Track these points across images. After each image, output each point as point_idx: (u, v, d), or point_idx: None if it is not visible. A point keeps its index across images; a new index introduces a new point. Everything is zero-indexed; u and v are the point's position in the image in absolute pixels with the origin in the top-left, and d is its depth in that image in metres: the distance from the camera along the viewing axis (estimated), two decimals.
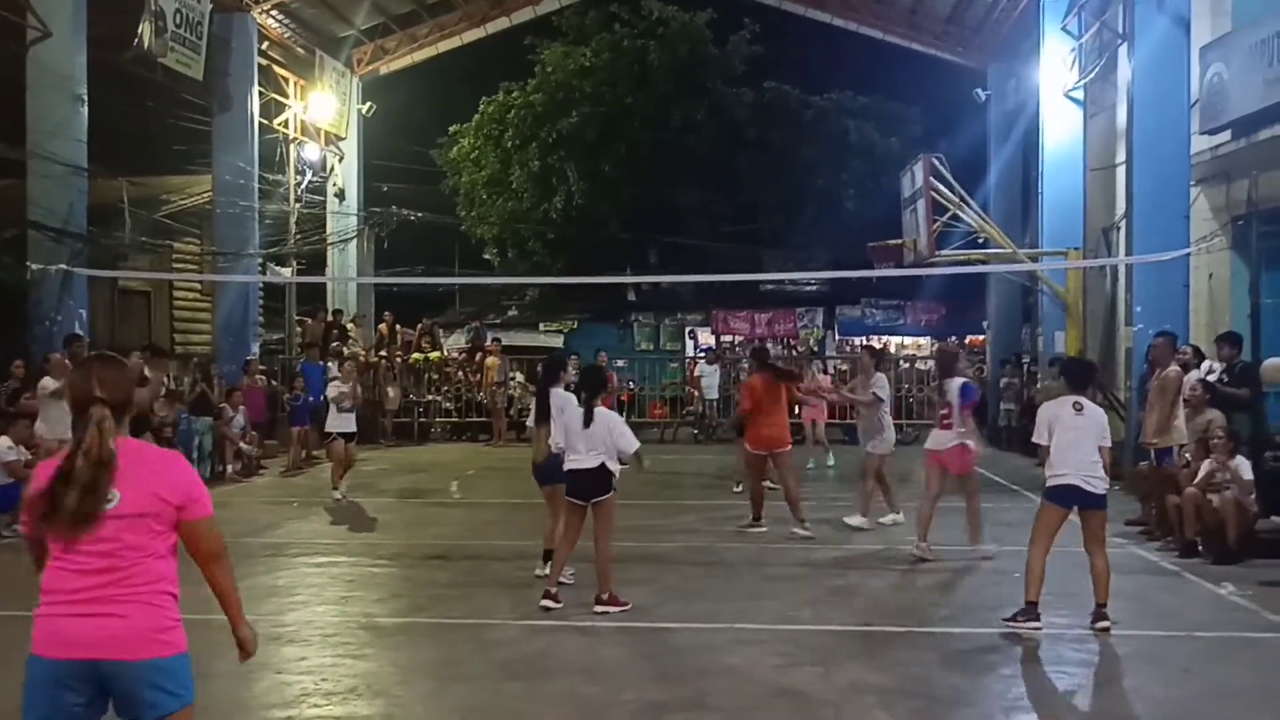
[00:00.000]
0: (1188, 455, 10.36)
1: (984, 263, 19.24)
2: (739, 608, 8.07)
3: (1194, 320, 13.58)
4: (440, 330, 27.05)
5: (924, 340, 32.18)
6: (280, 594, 8.59)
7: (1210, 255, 13.69)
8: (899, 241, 19.29)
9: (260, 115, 20.74)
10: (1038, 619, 7.11)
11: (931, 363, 24.17)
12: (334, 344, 20.23)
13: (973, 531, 9.91)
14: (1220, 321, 13.44)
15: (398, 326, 23.99)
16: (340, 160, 25.09)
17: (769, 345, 23.36)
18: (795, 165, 31.28)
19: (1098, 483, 7.22)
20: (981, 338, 27.87)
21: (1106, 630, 7.11)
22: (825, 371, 20.52)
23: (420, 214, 26.65)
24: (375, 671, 6.58)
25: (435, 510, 13.21)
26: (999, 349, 23.11)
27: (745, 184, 31.82)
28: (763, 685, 6.22)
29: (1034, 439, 7.51)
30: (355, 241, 25.02)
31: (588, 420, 7.92)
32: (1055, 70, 18.78)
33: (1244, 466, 9.68)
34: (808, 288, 33.33)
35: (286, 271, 23.62)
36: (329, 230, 24.66)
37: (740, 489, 13.11)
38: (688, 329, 32.82)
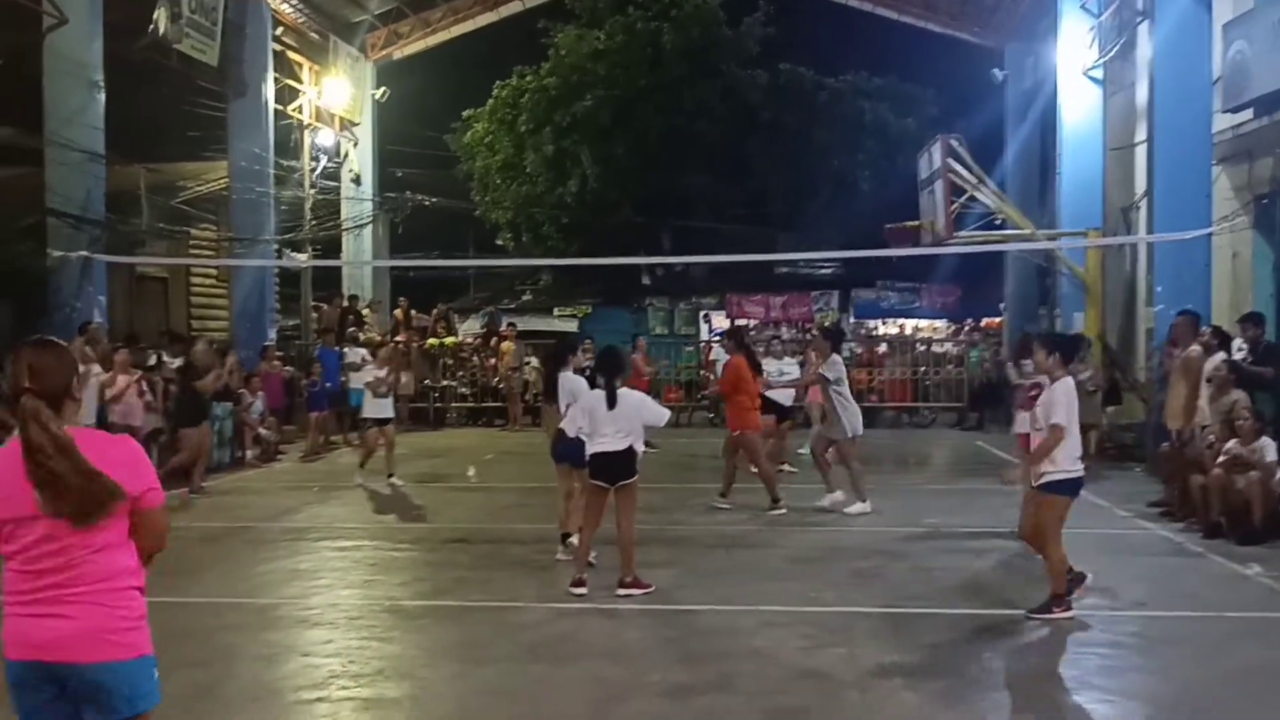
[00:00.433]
0: (1211, 436, 10.28)
1: (1002, 243, 19.13)
2: (761, 590, 8.06)
3: (1216, 300, 13.50)
4: (455, 315, 27.08)
5: (940, 323, 32.09)
6: (304, 578, 8.63)
7: (1233, 234, 13.60)
8: (916, 223, 19.20)
9: (275, 101, 20.76)
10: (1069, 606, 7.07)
11: (949, 345, 24.22)
12: (350, 329, 20.26)
13: None
14: (1243, 301, 13.35)
15: (413, 312, 24.01)
16: (354, 146, 25.11)
17: (783, 328, 23.35)
18: (809, 147, 31.15)
19: None
20: (998, 320, 27.74)
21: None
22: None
23: (434, 199, 26.64)
24: (401, 654, 6.60)
25: (454, 494, 13.22)
26: (1016, 330, 22.97)
27: (759, 166, 31.69)
28: (787, 667, 6.21)
29: (1054, 420, 6.92)
30: (370, 227, 25.06)
31: (611, 402, 7.91)
32: (1074, 49, 18.65)
33: (1269, 448, 9.60)
34: (822, 270, 33.24)
35: (302, 257, 23.65)
36: (344, 216, 24.71)
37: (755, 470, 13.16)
38: (702, 313, 32.75)
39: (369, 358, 17.03)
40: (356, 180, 24.98)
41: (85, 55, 14.84)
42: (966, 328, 29.01)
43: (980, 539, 9.69)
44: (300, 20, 22.42)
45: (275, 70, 20.88)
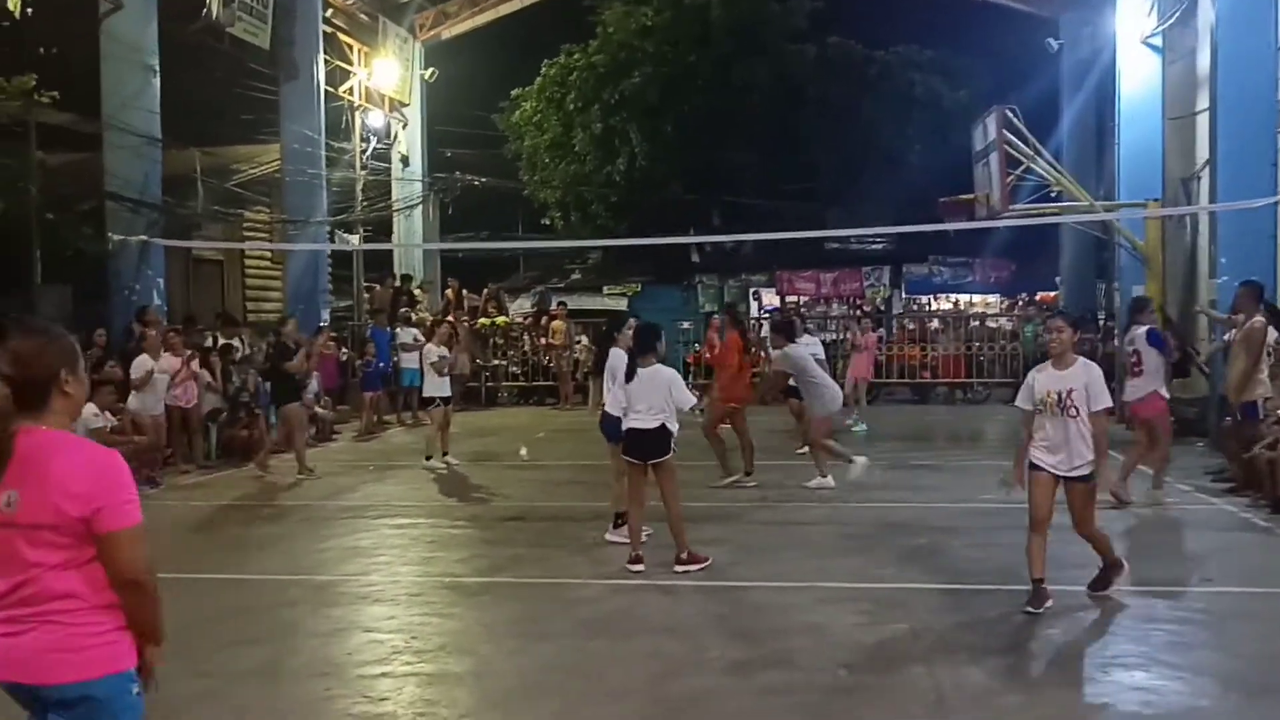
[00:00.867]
0: (1279, 410, 10.07)
1: (1058, 215, 18.83)
2: (817, 566, 8.04)
3: None
4: (505, 295, 27.18)
5: (993, 298, 31.73)
6: (364, 555, 8.72)
7: None
8: (971, 196, 18.91)
9: (325, 83, 20.88)
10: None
11: (1003, 320, 23.95)
12: (402, 310, 20.40)
13: (1155, 475, 10.24)
14: None
15: (464, 292, 24.14)
16: (404, 127, 25.21)
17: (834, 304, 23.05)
18: (859, 122, 30.76)
19: None
20: (1053, 294, 27.37)
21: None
22: (874, 330, 20.15)
23: (483, 179, 26.71)
24: (462, 630, 6.65)
25: (508, 473, 13.29)
26: (1072, 305, 22.66)
27: (808, 142, 31.36)
28: (847, 643, 6.18)
29: (1108, 403, 6.69)
30: (420, 208, 25.18)
31: (629, 376, 7.95)
32: (1132, 17, 18.24)
33: None
34: (873, 246, 32.93)
35: (354, 239, 23.84)
36: (394, 197, 24.84)
37: (804, 449, 13.16)
38: (752, 290, 32.61)
39: (420, 337, 17.18)
40: (405, 161, 25.10)
41: (141, 39, 15.03)
42: (1020, 302, 28.71)
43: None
44: (350, 2, 22.51)
45: (325, 52, 20.99)
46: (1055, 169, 17.78)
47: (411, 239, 24.87)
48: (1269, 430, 9.92)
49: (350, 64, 22.88)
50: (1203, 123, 15.39)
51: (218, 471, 13.46)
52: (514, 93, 32.35)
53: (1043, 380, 6.77)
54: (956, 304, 31.73)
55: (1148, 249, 17.22)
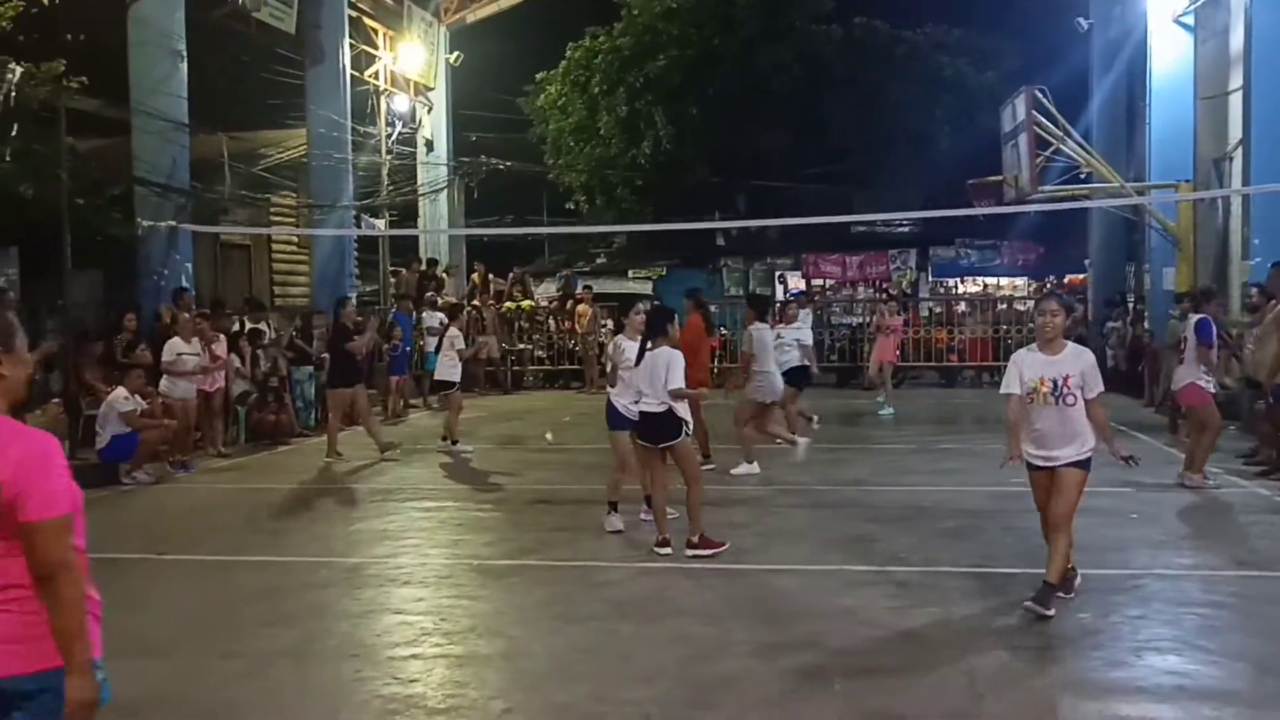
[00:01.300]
0: None
1: (1088, 197, 18.63)
2: (846, 550, 8.01)
3: None
4: (531, 279, 27.19)
5: (1020, 281, 31.49)
6: (393, 538, 8.75)
7: None
8: (999, 178, 18.76)
9: (351, 67, 20.90)
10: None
11: (1031, 303, 23.72)
12: (428, 294, 20.44)
13: (1197, 462, 10.00)
14: None
15: (490, 276, 24.16)
16: (429, 111, 25.20)
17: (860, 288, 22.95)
18: (886, 104, 30.55)
19: None
20: (1082, 277, 27.12)
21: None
22: (899, 314, 19.94)
23: (508, 163, 26.68)
24: (491, 612, 6.67)
25: (534, 456, 13.32)
26: (1102, 288, 22.51)
27: (834, 124, 31.18)
28: (878, 626, 6.16)
29: (1101, 388, 6.30)
30: (446, 192, 25.19)
31: (637, 360, 7.90)
32: None
33: None
34: (900, 229, 32.71)
35: (380, 223, 23.88)
36: (420, 181, 24.86)
37: (817, 424, 13.29)
38: (777, 273, 32.49)
39: (445, 321, 17.19)
40: (430, 146, 25.10)
41: (168, 25, 15.07)
42: (1048, 285, 28.47)
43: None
44: None
45: (351, 36, 21.01)
46: (1085, 150, 17.60)
47: (437, 224, 24.91)
48: None
49: (375, 48, 22.88)
50: (1235, 102, 15.19)
51: (248, 455, 13.55)
52: (539, 76, 32.31)
53: (1033, 366, 6.30)
54: (985, 287, 31.52)
55: (1179, 231, 17.04)
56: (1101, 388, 6.27)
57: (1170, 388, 10.45)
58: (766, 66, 30.15)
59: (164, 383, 12.38)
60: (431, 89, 25.10)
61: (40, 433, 2.86)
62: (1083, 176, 17.96)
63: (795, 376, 12.54)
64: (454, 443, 13.39)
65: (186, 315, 13.19)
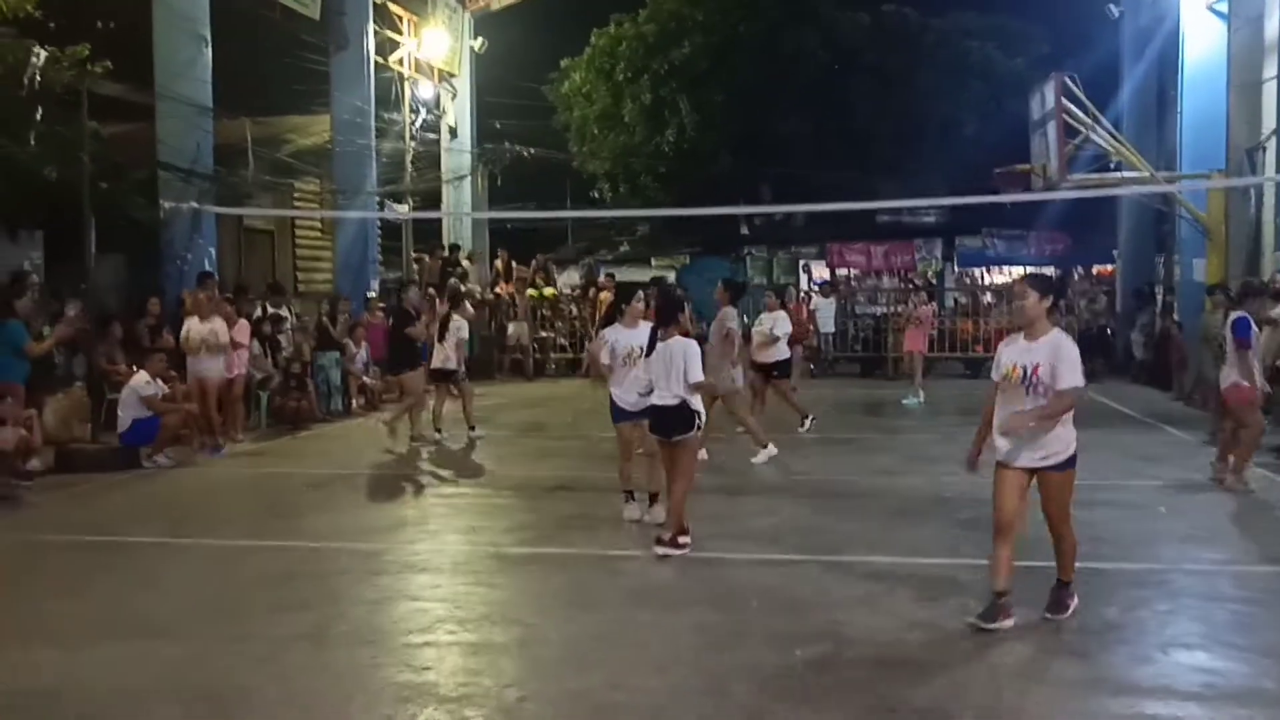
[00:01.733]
0: None
1: (1117, 186, 18.39)
2: (866, 540, 7.92)
3: None
4: (554, 266, 27.15)
5: (1048, 270, 31.17)
6: (410, 524, 8.73)
7: None
8: (1027, 166, 18.52)
9: (375, 53, 20.88)
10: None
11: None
12: (451, 281, 20.42)
13: (1239, 465, 9.61)
14: None
15: (514, 263, 24.14)
16: (453, 97, 25.18)
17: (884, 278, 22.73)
18: (913, 90, 30.26)
19: None
20: (1110, 267, 26.83)
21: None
22: (928, 303, 19.73)
23: (532, 150, 26.61)
24: (507, 599, 6.62)
25: (554, 443, 13.28)
26: (1130, 279, 22.26)
27: (861, 111, 30.93)
28: (898, 617, 6.07)
29: (1077, 382, 5.72)
30: (469, 178, 25.17)
31: (648, 351, 7.69)
32: None
33: None
34: (926, 218, 32.42)
35: (403, 209, 23.88)
36: (444, 167, 24.84)
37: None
38: (801, 262, 32.31)
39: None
40: (454, 132, 25.08)
41: (193, 10, 15.10)
42: (1076, 276, 28.18)
43: (1095, 490, 9.33)
44: None
45: (375, 22, 21.01)
46: (1115, 138, 17.36)
47: (461, 210, 24.89)
48: None
49: (400, 34, 22.86)
50: (1269, 91, 14.98)
51: (269, 440, 13.56)
52: (563, 63, 32.21)
53: (1009, 352, 5.88)
54: (1012, 278, 31.21)
55: (1210, 221, 16.79)
56: (1076, 382, 5.66)
57: (1207, 383, 10.22)
58: (792, 53, 29.92)
59: (190, 361, 12.43)
60: (455, 75, 25.07)
61: None
62: (1112, 165, 17.71)
63: (782, 368, 12.86)
64: (471, 428, 13.39)
65: (203, 295, 13.16)
